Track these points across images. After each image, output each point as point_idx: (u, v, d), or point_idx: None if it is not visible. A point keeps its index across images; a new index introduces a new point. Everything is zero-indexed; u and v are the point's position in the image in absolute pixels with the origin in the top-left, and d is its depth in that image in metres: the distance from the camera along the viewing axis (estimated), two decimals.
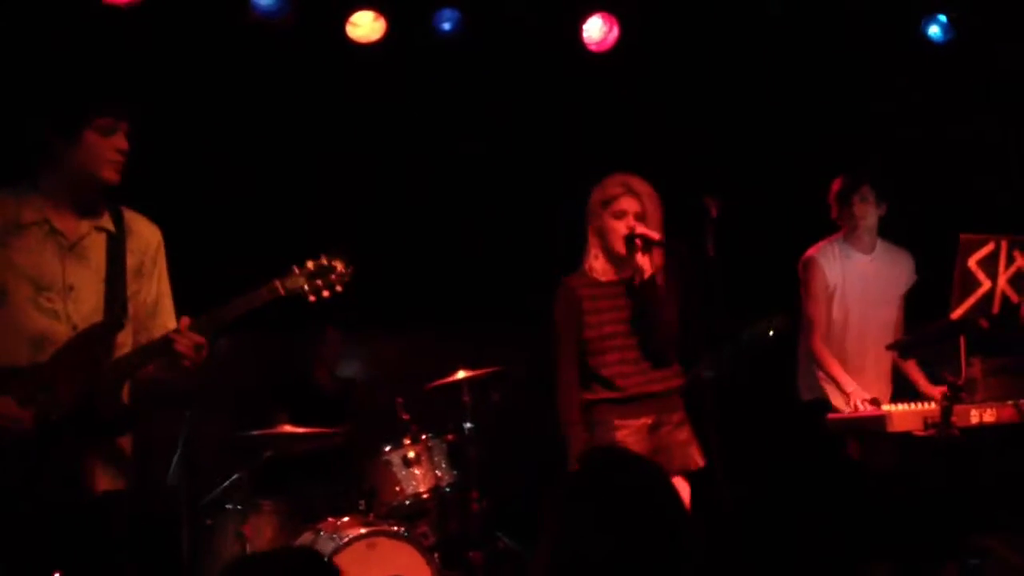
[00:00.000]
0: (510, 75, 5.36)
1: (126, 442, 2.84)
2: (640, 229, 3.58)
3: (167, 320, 2.86)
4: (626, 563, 1.69)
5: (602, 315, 3.66)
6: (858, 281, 4.29)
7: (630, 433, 3.56)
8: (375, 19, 5.09)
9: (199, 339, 2.69)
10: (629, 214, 3.60)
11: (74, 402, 2.66)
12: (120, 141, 2.75)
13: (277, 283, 2.79)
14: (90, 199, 2.80)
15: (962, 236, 3.69)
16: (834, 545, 4.05)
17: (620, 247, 3.62)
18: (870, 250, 4.35)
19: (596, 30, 5.34)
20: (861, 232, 4.31)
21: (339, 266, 2.82)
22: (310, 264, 2.82)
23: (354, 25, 5.11)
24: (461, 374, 4.51)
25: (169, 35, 4.74)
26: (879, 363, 4.29)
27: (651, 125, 5.35)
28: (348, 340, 5.26)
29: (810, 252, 4.35)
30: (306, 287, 2.80)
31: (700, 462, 3.63)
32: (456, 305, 5.43)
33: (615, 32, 5.32)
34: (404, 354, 5.43)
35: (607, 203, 3.63)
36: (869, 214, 4.29)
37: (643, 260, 3.58)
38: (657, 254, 3.61)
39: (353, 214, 5.33)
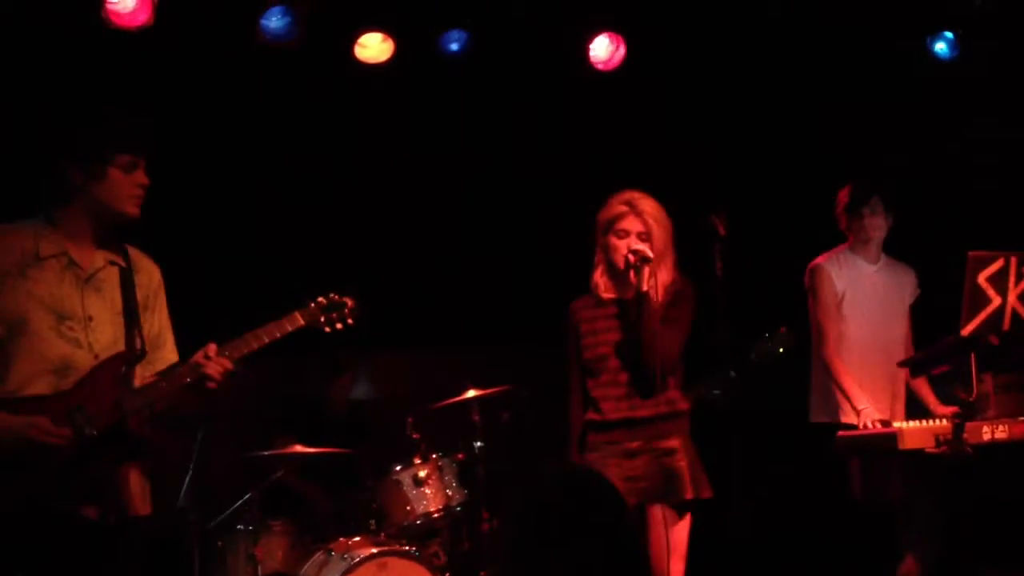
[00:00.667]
0: (517, 95, 5.39)
1: (147, 467, 2.88)
2: (635, 246, 3.57)
3: (169, 353, 2.95)
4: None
5: (598, 336, 3.68)
6: (865, 291, 4.29)
7: (601, 457, 3.54)
8: (383, 40, 5.12)
9: (227, 364, 2.79)
10: (632, 234, 3.60)
11: (106, 422, 2.72)
12: (141, 177, 2.84)
13: (298, 315, 2.95)
14: (107, 233, 2.88)
15: (971, 253, 3.69)
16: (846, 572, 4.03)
17: (620, 263, 3.63)
18: (876, 261, 4.36)
19: (603, 49, 5.36)
20: (870, 244, 4.33)
21: (349, 302, 3.04)
22: (322, 300, 3.01)
23: (362, 46, 5.14)
24: (471, 393, 4.51)
25: (177, 58, 4.77)
26: (892, 381, 4.26)
27: (658, 143, 5.36)
28: (361, 366, 5.26)
29: (817, 260, 4.36)
30: (322, 320, 2.99)
31: (690, 494, 3.51)
32: (466, 324, 5.44)
33: (622, 51, 5.34)
34: (414, 373, 5.43)
35: (611, 222, 3.65)
36: (879, 226, 4.31)
37: (636, 278, 3.57)
38: (662, 272, 3.60)
39: (364, 234, 5.36)
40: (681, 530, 3.53)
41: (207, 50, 4.84)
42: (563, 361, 3.74)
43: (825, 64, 5.30)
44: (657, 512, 3.47)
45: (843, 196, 4.38)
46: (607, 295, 3.70)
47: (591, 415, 3.63)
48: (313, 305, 2.98)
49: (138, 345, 2.81)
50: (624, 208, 3.62)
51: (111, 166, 2.78)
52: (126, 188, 2.80)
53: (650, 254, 3.55)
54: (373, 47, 5.15)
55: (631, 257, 3.56)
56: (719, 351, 4.03)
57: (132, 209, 2.83)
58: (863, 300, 4.29)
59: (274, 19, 4.86)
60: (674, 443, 3.54)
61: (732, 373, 4.56)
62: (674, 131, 5.42)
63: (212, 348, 2.81)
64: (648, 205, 3.63)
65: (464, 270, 5.51)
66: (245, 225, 5.08)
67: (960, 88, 5.16)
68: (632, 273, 3.56)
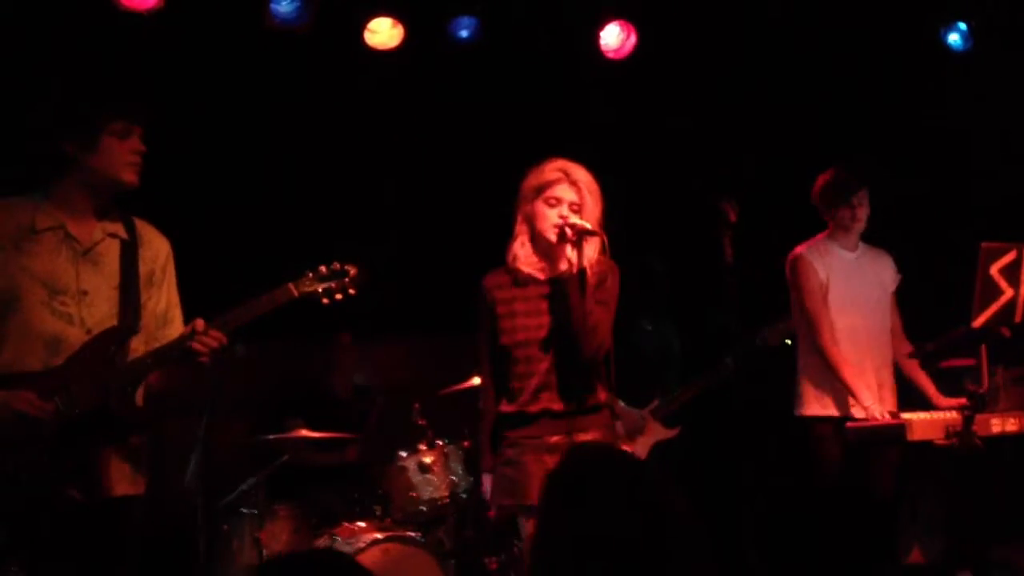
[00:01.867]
0: (527, 83, 5.36)
1: (141, 447, 2.84)
2: (570, 218, 3.17)
3: (176, 330, 2.86)
4: (615, 556, 1.69)
5: (517, 319, 3.27)
6: (848, 279, 4.21)
7: (518, 453, 3.19)
8: (393, 26, 5.10)
9: (218, 335, 2.70)
10: (564, 203, 3.20)
11: (91, 401, 2.67)
12: (136, 143, 2.76)
13: (291, 286, 2.81)
14: (106, 204, 2.81)
15: (983, 245, 3.67)
16: (839, 556, 4.01)
17: (550, 234, 3.21)
18: (855, 249, 4.29)
19: (614, 37, 5.34)
20: (853, 232, 4.25)
21: (352, 270, 2.84)
22: (323, 268, 2.84)
23: (372, 32, 5.12)
24: (477, 380, 4.49)
25: (187, 41, 4.76)
26: (880, 370, 4.17)
27: (670, 131, 5.34)
28: (361, 346, 5.24)
29: (797, 250, 4.25)
30: (320, 290, 2.82)
31: None
32: (473, 310, 5.42)
33: (632, 39, 5.32)
34: (420, 360, 5.42)
35: (541, 188, 3.24)
36: (865, 216, 4.24)
37: (573, 254, 3.17)
38: (590, 249, 3.18)
39: (370, 219, 5.34)
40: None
41: (216, 33, 4.83)
42: (472, 345, 3.41)
43: (836, 51, 5.27)
44: None
45: (825, 183, 4.25)
46: (527, 270, 3.28)
47: (505, 407, 3.26)
48: (311, 274, 2.81)
49: (131, 320, 2.75)
50: (558, 175, 3.23)
51: (104, 134, 2.71)
52: (121, 155, 2.72)
53: (590, 227, 3.16)
54: (383, 32, 5.13)
55: (568, 231, 3.16)
56: (726, 337, 4.01)
57: (129, 176, 2.75)
58: (846, 289, 4.20)
59: (284, 3, 4.85)
60: (594, 435, 3.20)
61: (729, 362, 4.57)
62: (685, 119, 5.39)
63: (200, 323, 2.72)
64: (583, 175, 3.24)
65: (473, 255, 5.48)
66: (251, 208, 5.06)
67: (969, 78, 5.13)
68: (568, 247, 3.18)
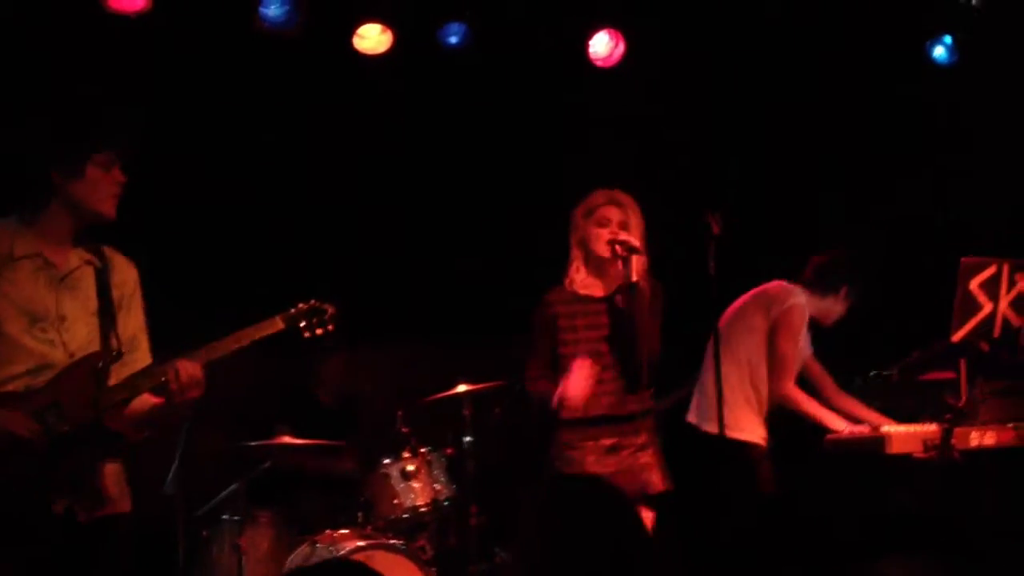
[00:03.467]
0: (516, 89, 5.37)
1: (124, 464, 2.86)
2: (622, 236, 3.58)
3: (142, 356, 2.90)
4: None
5: (579, 332, 3.65)
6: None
7: (580, 455, 3.56)
8: (382, 32, 5.11)
9: (196, 372, 2.74)
10: (612, 222, 3.62)
11: (81, 416, 2.69)
12: (118, 175, 2.79)
13: (279, 318, 2.92)
14: (82, 232, 2.83)
15: (963, 260, 3.70)
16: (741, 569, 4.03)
17: (603, 251, 3.62)
18: None
19: (602, 45, 5.35)
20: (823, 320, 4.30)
21: (330, 309, 3.00)
22: (302, 305, 2.99)
23: (361, 37, 5.13)
24: (462, 388, 4.50)
25: (174, 45, 4.75)
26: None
27: (655, 140, 5.35)
28: (348, 353, 5.24)
29: (800, 300, 4.22)
30: (302, 325, 2.97)
31: (660, 486, 3.59)
32: (459, 318, 5.43)
33: (621, 47, 5.33)
34: (404, 367, 5.42)
35: (590, 212, 3.65)
36: (839, 313, 4.30)
37: (625, 268, 3.58)
38: (638, 263, 3.58)
39: (360, 225, 5.34)
40: (650, 524, 3.55)
41: (204, 37, 4.82)
42: (527, 353, 3.70)
43: (823, 62, 5.29)
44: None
45: (825, 262, 4.30)
46: (584, 291, 3.68)
47: (567, 412, 3.59)
48: (294, 310, 2.96)
49: (115, 345, 2.78)
50: (604, 199, 3.66)
51: (90, 164, 2.74)
52: (104, 187, 2.76)
53: (637, 243, 3.56)
54: (372, 38, 5.13)
55: (618, 248, 3.56)
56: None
57: (109, 208, 2.79)
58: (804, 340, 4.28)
59: (273, 7, 4.84)
60: (644, 438, 3.61)
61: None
62: (670, 128, 5.41)
63: (180, 365, 2.75)
64: (627, 199, 3.67)
65: (459, 263, 5.50)
66: (238, 215, 5.06)
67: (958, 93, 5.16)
68: (621, 263, 3.57)
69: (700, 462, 4.15)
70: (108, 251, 2.91)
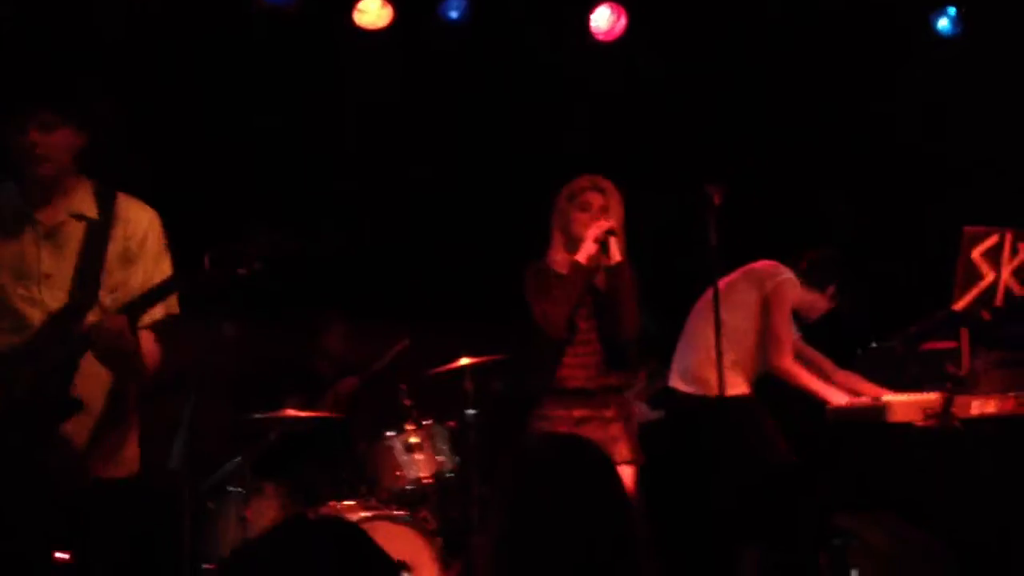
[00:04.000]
0: (516, 63, 5.36)
1: (125, 429, 2.86)
2: (601, 221, 3.65)
3: (165, 306, 2.83)
4: (573, 546, 1.72)
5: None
6: None
7: (550, 425, 3.64)
8: (382, 5, 5.10)
9: (115, 327, 2.66)
10: (594, 206, 3.70)
11: (30, 383, 2.69)
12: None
13: (205, 258, 2.72)
14: (65, 187, 2.81)
15: (966, 229, 3.70)
16: (706, 531, 4.06)
17: (582, 234, 3.69)
18: None
19: (604, 19, 5.34)
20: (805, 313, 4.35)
21: (263, 235, 2.75)
22: (235, 243, 2.75)
23: (361, 12, 5.12)
24: (464, 361, 4.51)
25: (173, 21, 4.75)
26: None
27: (657, 113, 5.35)
28: (350, 326, 5.25)
29: (790, 275, 4.26)
30: (239, 259, 2.72)
31: (627, 456, 3.67)
32: (461, 291, 5.44)
33: (623, 21, 5.32)
34: (409, 340, 5.43)
35: (573, 196, 3.73)
36: (823, 309, 4.36)
37: (603, 252, 3.66)
38: (616, 244, 3.66)
39: (361, 201, 5.35)
40: (632, 488, 3.65)
41: (204, 14, 4.82)
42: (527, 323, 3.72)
43: (826, 36, 5.27)
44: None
45: (819, 258, 4.35)
46: (564, 271, 3.74)
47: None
48: (226, 244, 2.72)
49: (85, 299, 2.75)
50: (586, 183, 3.74)
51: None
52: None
53: (613, 224, 3.65)
54: (372, 12, 5.12)
55: (596, 230, 3.65)
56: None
57: (32, 170, 2.74)
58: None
59: None
60: (613, 412, 3.70)
61: None
62: (673, 102, 5.40)
63: (106, 316, 2.71)
64: (609, 184, 3.75)
65: (462, 237, 5.50)
66: (237, 194, 5.06)
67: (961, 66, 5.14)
68: (600, 247, 3.67)
69: (692, 425, 4.18)
70: (121, 200, 2.86)
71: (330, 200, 5.29)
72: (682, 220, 3.88)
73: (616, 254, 3.64)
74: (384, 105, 5.31)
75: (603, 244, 3.65)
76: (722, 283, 4.26)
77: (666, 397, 4.44)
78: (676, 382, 4.31)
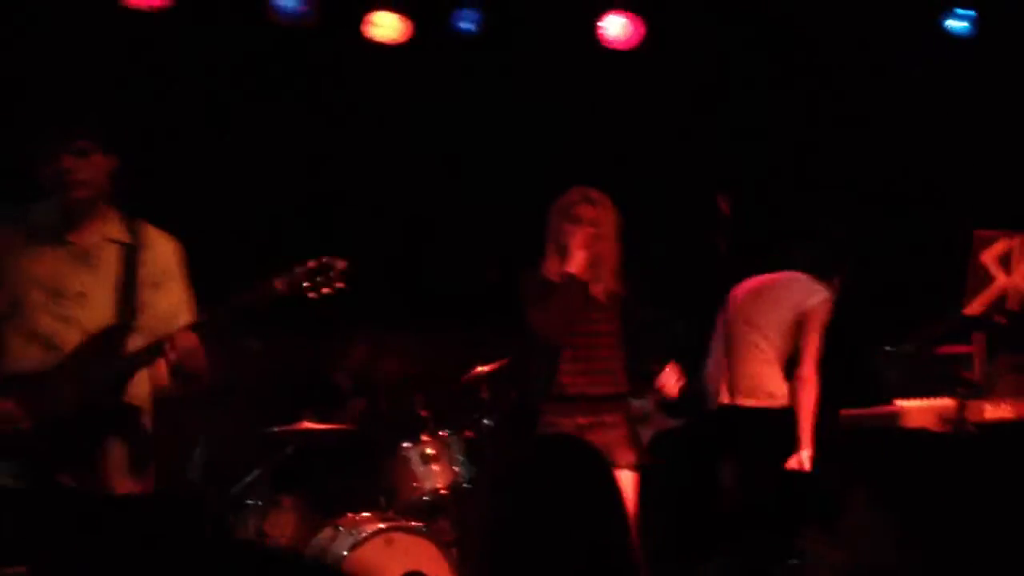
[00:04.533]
0: (531, 74, 5.38)
1: (147, 444, 2.91)
2: (586, 230, 3.66)
3: None
4: (562, 546, 1.73)
5: None
6: None
7: (563, 430, 3.62)
8: (397, 19, 5.14)
9: (191, 342, 2.77)
10: (584, 220, 3.71)
11: (77, 400, 2.74)
12: (64, 161, 2.80)
13: (277, 281, 2.86)
14: (98, 211, 2.89)
15: (976, 232, 3.68)
16: (668, 545, 4.06)
17: (572, 246, 3.68)
18: None
19: (617, 28, 5.35)
20: None
21: (339, 264, 2.88)
22: (311, 264, 2.88)
23: (375, 25, 5.16)
24: (480, 370, 4.53)
25: (189, 37, 4.81)
26: None
27: (670, 123, 5.35)
28: (372, 338, 5.29)
29: (827, 293, 4.20)
30: (306, 284, 2.86)
31: (640, 459, 3.68)
32: (478, 301, 5.45)
33: (638, 30, 5.33)
34: (424, 351, 5.46)
35: (564, 209, 3.75)
36: None
37: (574, 255, 3.65)
38: (609, 264, 3.68)
39: (375, 211, 5.38)
40: (633, 494, 3.65)
41: (219, 29, 4.88)
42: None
43: (840, 44, 5.25)
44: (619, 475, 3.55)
45: (814, 252, 4.30)
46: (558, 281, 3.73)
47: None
48: (297, 270, 2.86)
49: (127, 319, 2.82)
50: (577, 196, 3.75)
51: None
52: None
53: (595, 232, 3.66)
54: (386, 26, 5.17)
55: (581, 238, 3.66)
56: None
57: (66, 194, 2.82)
58: None
59: None
60: (614, 419, 3.71)
61: None
62: (685, 111, 5.40)
63: (176, 334, 2.79)
64: (601, 197, 3.76)
65: (479, 247, 5.52)
66: (254, 203, 5.11)
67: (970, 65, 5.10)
68: (572, 251, 3.67)
69: (751, 438, 4.14)
70: (145, 228, 2.94)
71: (345, 212, 5.33)
72: (693, 228, 3.87)
73: (571, 263, 3.63)
74: (398, 117, 5.35)
75: (589, 255, 3.65)
76: (750, 288, 4.25)
77: (720, 414, 4.30)
78: (739, 398, 4.21)
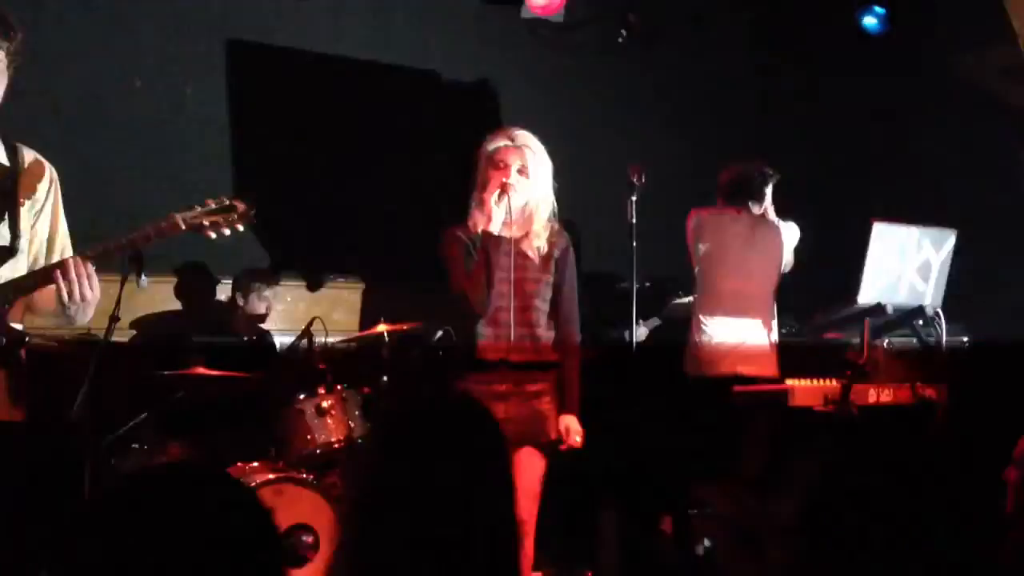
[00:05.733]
0: (448, 36, 5.34)
1: (21, 374, 2.82)
2: (510, 179, 3.36)
3: (63, 256, 2.83)
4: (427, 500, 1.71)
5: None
6: None
7: (477, 396, 3.12)
8: None
9: (85, 268, 2.69)
10: (510, 166, 3.41)
11: None
12: None
13: (177, 217, 2.79)
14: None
15: (874, 222, 3.79)
16: (569, 498, 4.08)
17: (492, 197, 3.40)
18: None
19: None
20: None
21: (240, 206, 2.83)
22: (211, 202, 2.83)
23: None
24: (381, 328, 4.50)
25: None
26: None
27: (581, 93, 5.37)
28: (271, 289, 5.19)
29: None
30: (206, 223, 2.80)
31: (552, 436, 3.45)
32: (384, 260, 5.41)
33: None
34: (327, 306, 5.40)
35: (491, 154, 3.44)
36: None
37: (492, 210, 3.36)
38: (540, 214, 3.41)
39: (285, 165, 5.28)
40: (540, 471, 3.44)
41: None
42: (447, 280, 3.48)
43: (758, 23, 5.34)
44: (521, 455, 3.33)
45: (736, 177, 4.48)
46: (486, 231, 3.44)
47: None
48: (198, 208, 2.80)
49: (10, 243, 2.73)
50: (503, 139, 3.44)
51: None
52: None
53: (514, 186, 3.37)
54: None
55: (500, 192, 3.37)
56: (633, 300, 4.09)
57: None
58: None
59: None
60: (540, 387, 3.44)
61: (645, 326, 4.70)
62: (597, 82, 5.42)
63: (69, 262, 2.70)
64: (530, 139, 3.44)
65: (387, 207, 5.47)
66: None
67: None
68: (493, 206, 3.37)
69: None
70: (24, 152, 2.83)
71: (259, 165, 5.22)
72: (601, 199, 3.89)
73: (496, 221, 3.33)
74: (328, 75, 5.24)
75: (508, 206, 3.35)
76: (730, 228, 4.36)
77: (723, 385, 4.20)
78: (742, 367, 4.24)
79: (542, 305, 3.44)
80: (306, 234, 5.25)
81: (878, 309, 3.77)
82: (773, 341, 4.36)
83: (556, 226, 3.50)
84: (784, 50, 5.39)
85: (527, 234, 3.43)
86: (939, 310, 3.86)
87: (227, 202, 2.83)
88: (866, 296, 3.78)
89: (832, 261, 4.47)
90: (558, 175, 3.52)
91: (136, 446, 4.17)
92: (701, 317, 4.37)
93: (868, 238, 3.84)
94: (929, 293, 3.92)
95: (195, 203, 2.82)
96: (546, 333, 3.47)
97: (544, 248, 3.45)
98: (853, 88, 5.36)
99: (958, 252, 3.97)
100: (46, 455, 3.05)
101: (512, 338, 3.35)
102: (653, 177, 3.72)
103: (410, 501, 1.71)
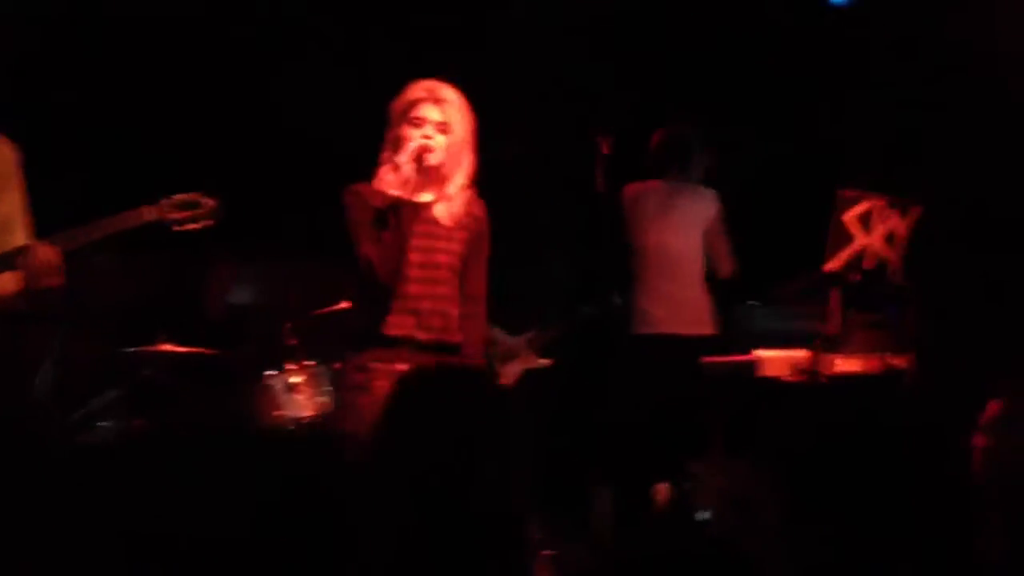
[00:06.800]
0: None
1: None
2: (427, 138, 3.02)
3: (18, 240, 2.81)
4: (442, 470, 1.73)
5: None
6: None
7: (379, 376, 2.97)
8: None
9: (51, 256, 2.68)
10: (428, 123, 3.04)
11: None
12: None
13: (144, 209, 2.83)
14: None
15: (839, 191, 3.81)
16: (561, 472, 4.15)
17: (409, 157, 3.02)
18: None
19: None
20: None
21: (209, 203, 2.89)
22: (179, 197, 2.87)
23: None
24: (345, 304, 4.47)
25: None
26: None
27: (548, 61, 5.31)
28: (236, 265, 5.16)
29: None
30: (173, 216, 2.86)
31: None
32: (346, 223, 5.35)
33: None
34: (295, 281, 5.35)
35: (406, 110, 3.06)
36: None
37: (406, 171, 2.99)
38: (459, 176, 3.07)
39: (247, 138, 5.21)
40: None
41: None
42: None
43: None
44: None
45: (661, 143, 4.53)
46: (396, 194, 3.05)
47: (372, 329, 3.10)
48: (164, 201, 2.85)
49: None
50: (421, 93, 3.06)
51: None
52: None
53: (432, 147, 3.02)
54: None
55: (416, 152, 3.01)
56: (602, 270, 4.11)
57: None
58: None
59: None
60: None
61: (587, 311, 4.74)
62: (561, 50, 5.36)
63: (34, 246, 2.71)
64: (450, 94, 3.07)
65: (349, 176, 5.41)
66: (116, 132, 4.90)
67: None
68: (412, 168, 3.00)
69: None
70: None
71: (218, 137, 5.15)
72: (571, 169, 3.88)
73: (395, 180, 2.97)
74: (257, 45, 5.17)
75: (422, 167, 2.99)
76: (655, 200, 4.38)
77: (660, 344, 4.41)
78: (676, 326, 4.38)
79: (453, 278, 3.11)
80: (280, 204, 5.21)
81: (846, 279, 3.79)
82: (707, 300, 4.49)
83: (473, 192, 3.15)
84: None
85: (441, 198, 3.09)
86: (904, 278, 3.90)
87: (197, 198, 2.89)
88: (832, 265, 3.80)
89: (798, 231, 4.49)
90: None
91: (102, 424, 4.13)
92: (636, 279, 4.49)
93: (833, 206, 3.85)
94: (895, 261, 3.95)
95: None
96: (455, 310, 3.12)
97: (459, 215, 3.11)
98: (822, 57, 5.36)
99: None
100: (12, 433, 2.99)
101: (420, 312, 3.05)
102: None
103: (413, 458, 1.72)
